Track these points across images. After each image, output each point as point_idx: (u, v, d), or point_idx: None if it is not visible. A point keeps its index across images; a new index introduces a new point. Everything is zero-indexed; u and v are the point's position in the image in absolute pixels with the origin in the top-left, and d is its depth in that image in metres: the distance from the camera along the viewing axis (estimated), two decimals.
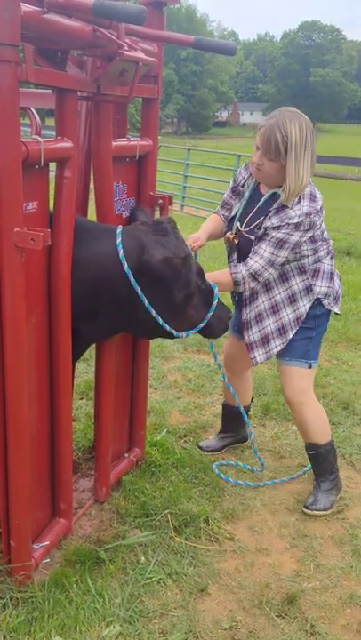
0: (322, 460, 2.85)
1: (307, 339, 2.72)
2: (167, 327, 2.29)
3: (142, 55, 2.07)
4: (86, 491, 2.83)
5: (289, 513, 2.80)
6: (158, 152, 2.92)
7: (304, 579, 2.40)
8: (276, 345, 2.71)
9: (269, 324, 2.70)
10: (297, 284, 2.64)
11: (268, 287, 2.66)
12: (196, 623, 2.14)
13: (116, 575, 2.32)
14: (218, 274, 2.62)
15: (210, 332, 2.55)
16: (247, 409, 3.24)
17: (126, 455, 2.99)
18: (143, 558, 2.42)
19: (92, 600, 2.18)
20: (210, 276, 2.55)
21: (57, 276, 2.10)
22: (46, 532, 2.40)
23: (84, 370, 4.00)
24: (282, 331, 2.69)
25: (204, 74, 68.22)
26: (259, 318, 2.71)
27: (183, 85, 65.32)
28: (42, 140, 1.87)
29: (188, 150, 13.56)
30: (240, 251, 2.69)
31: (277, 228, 2.47)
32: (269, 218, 2.51)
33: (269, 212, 2.53)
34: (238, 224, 2.68)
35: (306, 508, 2.80)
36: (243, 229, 2.64)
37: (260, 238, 2.54)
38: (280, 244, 2.48)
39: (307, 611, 2.24)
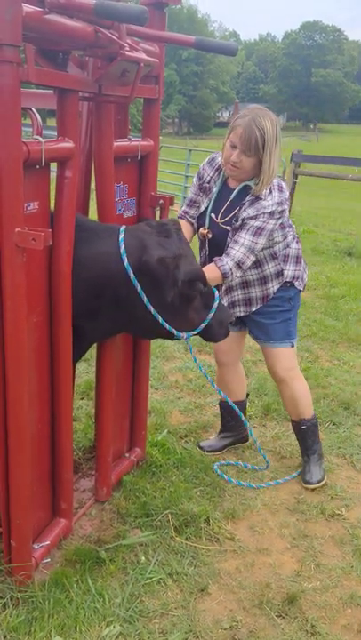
0: (310, 434, 3.08)
1: (286, 321, 2.94)
2: (167, 326, 2.29)
3: (143, 56, 2.07)
4: (87, 490, 2.84)
5: (289, 513, 2.81)
6: (159, 152, 2.93)
7: (305, 579, 2.40)
8: (240, 311, 2.94)
9: (237, 294, 2.91)
10: (269, 268, 2.83)
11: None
12: (196, 623, 2.14)
13: (116, 575, 2.33)
14: (206, 271, 2.62)
15: (211, 336, 2.53)
16: (244, 404, 3.28)
17: (127, 455, 2.99)
18: (143, 558, 2.42)
19: (93, 600, 2.18)
20: None
21: (58, 275, 2.11)
22: (47, 532, 2.40)
23: (85, 370, 4.00)
24: (247, 302, 2.92)
25: (205, 74, 68.17)
26: (229, 289, 2.91)
27: (184, 86, 65.28)
28: (43, 140, 1.87)
29: (190, 151, 13.55)
30: (212, 245, 2.80)
31: (254, 217, 2.61)
32: (245, 209, 2.64)
33: (244, 204, 2.65)
34: (213, 216, 2.75)
35: (308, 484, 3.00)
36: (219, 221, 2.72)
37: (237, 229, 2.65)
38: (258, 231, 2.62)
39: (307, 611, 2.24)
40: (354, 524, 2.75)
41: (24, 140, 1.78)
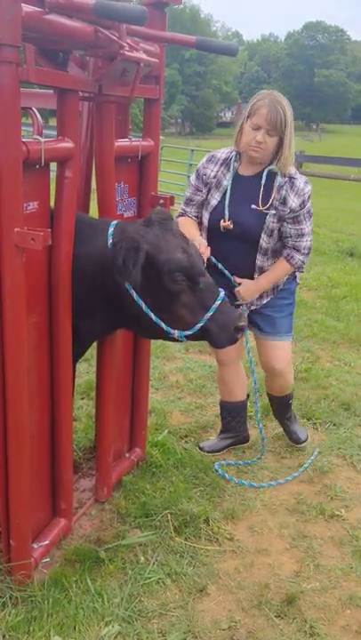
0: (291, 402, 3.35)
1: (290, 314, 3.08)
2: (152, 315, 2.18)
3: (143, 56, 2.07)
4: (87, 490, 2.84)
5: (289, 513, 2.80)
6: (162, 152, 2.96)
7: (304, 579, 2.40)
8: (253, 304, 2.98)
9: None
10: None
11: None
12: (194, 623, 2.14)
13: (115, 575, 2.33)
14: (276, 272, 2.86)
15: (211, 340, 2.34)
16: (244, 404, 3.30)
17: (127, 455, 2.99)
18: (143, 558, 2.42)
19: (92, 600, 2.18)
20: (269, 280, 2.85)
21: (57, 275, 2.11)
22: (46, 532, 2.41)
23: (86, 370, 4.00)
24: (260, 294, 2.95)
25: (208, 74, 68.16)
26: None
27: (187, 86, 65.25)
28: (42, 140, 1.87)
29: (192, 151, 13.55)
30: (235, 235, 2.79)
31: (302, 204, 2.74)
32: (289, 196, 2.72)
33: (282, 187, 2.72)
34: (254, 206, 2.76)
35: (300, 443, 3.30)
36: (262, 209, 2.75)
37: (290, 220, 2.76)
38: (310, 214, 2.81)
39: (306, 611, 2.24)
40: (353, 524, 2.74)
41: (24, 139, 1.78)
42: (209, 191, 2.85)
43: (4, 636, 2.00)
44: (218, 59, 65.24)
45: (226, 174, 2.80)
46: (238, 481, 2.98)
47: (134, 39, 2.15)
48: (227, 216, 2.78)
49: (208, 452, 3.22)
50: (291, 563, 2.49)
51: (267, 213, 2.74)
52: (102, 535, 2.53)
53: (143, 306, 2.18)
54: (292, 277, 3.01)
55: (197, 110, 67.62)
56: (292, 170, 2.76)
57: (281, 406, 3.33)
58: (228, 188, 2.78)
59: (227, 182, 2.79)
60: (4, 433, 2.03)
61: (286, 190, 2.72)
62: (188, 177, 12.94)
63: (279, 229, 2.80)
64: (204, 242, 2.77)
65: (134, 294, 2.16)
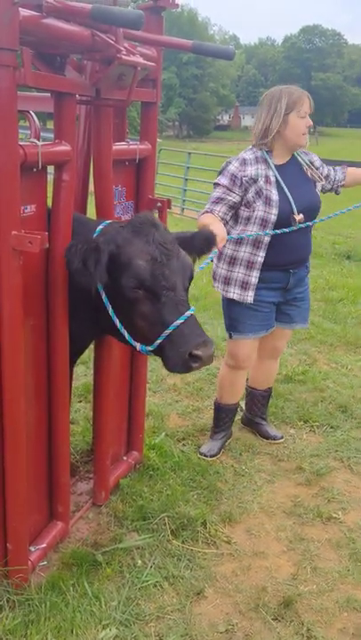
0: (268, 399, 3.52)
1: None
2: (116, 321, 2.09)
3: (140, 59, 2.08)
4: (84, 494, 2.84)
5: (286, 516, 2.80)
6: (159, 155, 2.96)
7: (301, 582, 2.40)
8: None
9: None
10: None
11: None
12: (192, 626, 2.14)
13: (112, 578, 2.33)
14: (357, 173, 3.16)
15: (163, 360, 2.08)
16: (237, 406, 3.40)
17: (124, 458, 2.99)
18: (140, 561, 2.42)
19: (89, 603, 2.18)
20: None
21: (55, 278, 2.11)
22: (43, 535, 2.40)
23: (83, 372, 4.00)
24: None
25: (205, 77, 68.21)
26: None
27: (184, 89, 65.32)
28: (39, 143, 1.88)
29: (189, 154, 13.57)
30: (300, 231, 2.90)
31: (318, 159, 3.08)
32: (315, 162, 3.02)
33: (312, 162, 2.99)
34: (317, 184, 2.99)
35: (278, 438, 3.43)
36: (324, 182, 3.04)
37: (327, 176, 3.08)
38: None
39: (303, 614, 2.24)
40: (351, 527, 2.75)
41: (21, 143, 1.79)
42: (247, 190, 2.82)
43: None
44: (215, 62, 65.30)
45: (268, 169, 2.85)
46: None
47: (131, 43, 2.15)
48: (295, 209, 2.84)
49: (211, 456, 3.22)
50: (288, 565, 2.49)
51: (317, 187, 3.00)
52: (99, 538, 2.53)
53: (110, 310, 2.10)
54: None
55: (195, 113, 67.68)
56: None
57: (263, 401, 3.48)
58: (280, 179, 2.84)
59: (274, 175, 2.84)
60: (0, 436, 2.03)
61: (311, 160, 3.00)
62: (186, 180, 13.03)
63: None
64: (224, 233, 2.61)
65: (103, 297, 2.09)
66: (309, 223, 2.94)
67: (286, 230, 2.82)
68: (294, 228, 2.84)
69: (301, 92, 2.80)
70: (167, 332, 2.00)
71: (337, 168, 3.17)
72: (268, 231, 2.82)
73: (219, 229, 2.54)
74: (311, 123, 2.85)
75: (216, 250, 2.46)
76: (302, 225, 2.87)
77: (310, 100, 2.82)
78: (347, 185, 3.17)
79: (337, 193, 3.20)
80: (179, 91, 64.17)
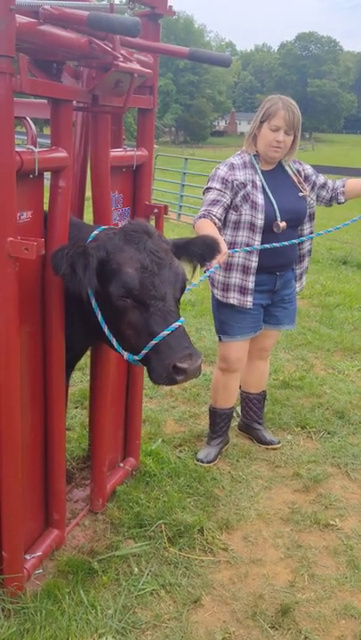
0: (264, 402, 3.54)
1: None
2: (105, 328, 2.06)
3: (137, 66, 2.08)
4: (80, 501, 2.82)
5: (283, 523, 2.79)
6: (156, 161, 2.97)
7: (298, 590, 2.39)
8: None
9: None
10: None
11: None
12: (189, 635, 2.12)
13: (108, 586, 2.31)
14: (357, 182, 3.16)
15: (148, 371, 2.06)
16: (232, 410, 3.40)
17: (121, 465, 2.98)
18: (136, 569, 2.40)
19: (85, 611, 2.16)
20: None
21: (51, 285, 2.10)
22: (39, 543, 2.39)
23: (79, 379, 3.99)
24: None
25: (201, 84, 68.52)
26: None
27: (181, 95, 65.59)
28: (36, 149, 1.87)
29: (186, 159, 13.61)
30: (285, 235, 2.93)
31: (310, 168, 3.13)
32: (307, 173, 3.07)
33: (299, 171, 3.03)
34: (301, 194, 2.99)
35: (275, 444, 3.43)
36: (307, 192, 3.03)
37: (319, 185, 3.13)
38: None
39: (301, 622, 2.23)
40: (348, 534, 2.74)
41: (18, 149, 1.78)
42: (236, 194, 2.86)
43: None
44: (212, 68, 65.59)
45: (255, 174, 2.91)
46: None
47: (128, 50, 2.16)
48: (279, 217, 2.89)
49: (208, 462, 3.21)
50: (285, 573, 2.48)
51: (306, 197, 3.01)
52: (96, 546, 2.51)
53: (99, 317, 2.07)
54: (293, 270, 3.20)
55: (191, 119, 67.94)
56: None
57: (258, 404, 3.48)
58: (265, 184, 2.90)
59: (260, 180, 2.90)
60: None
61: (299, 169, 3.04)
62: (183, 186, 13.06)
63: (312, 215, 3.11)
64: (225, 247, 2.59)
65: (93, 303, 2.06)
66: (304, 238, 3.06)
67: (277, 245, 2.89)
68: (277, 231, 2.89)
69: (279, 106, 2.78)
70: (153, 342, 1.96)
71: (329, 185, 3.17)
72: (255, 246, 2.89)
73: (222, 242, 2.52)
74: (282, 139, 2.80)
75: (217, 264, 2.51)
76: (294, 241, 2.99)
77: (290, 116, 2.77)
78: (347, 194, 3.16)
79: (339, 202, 3.19)
80: (175, 97, 64.44)
